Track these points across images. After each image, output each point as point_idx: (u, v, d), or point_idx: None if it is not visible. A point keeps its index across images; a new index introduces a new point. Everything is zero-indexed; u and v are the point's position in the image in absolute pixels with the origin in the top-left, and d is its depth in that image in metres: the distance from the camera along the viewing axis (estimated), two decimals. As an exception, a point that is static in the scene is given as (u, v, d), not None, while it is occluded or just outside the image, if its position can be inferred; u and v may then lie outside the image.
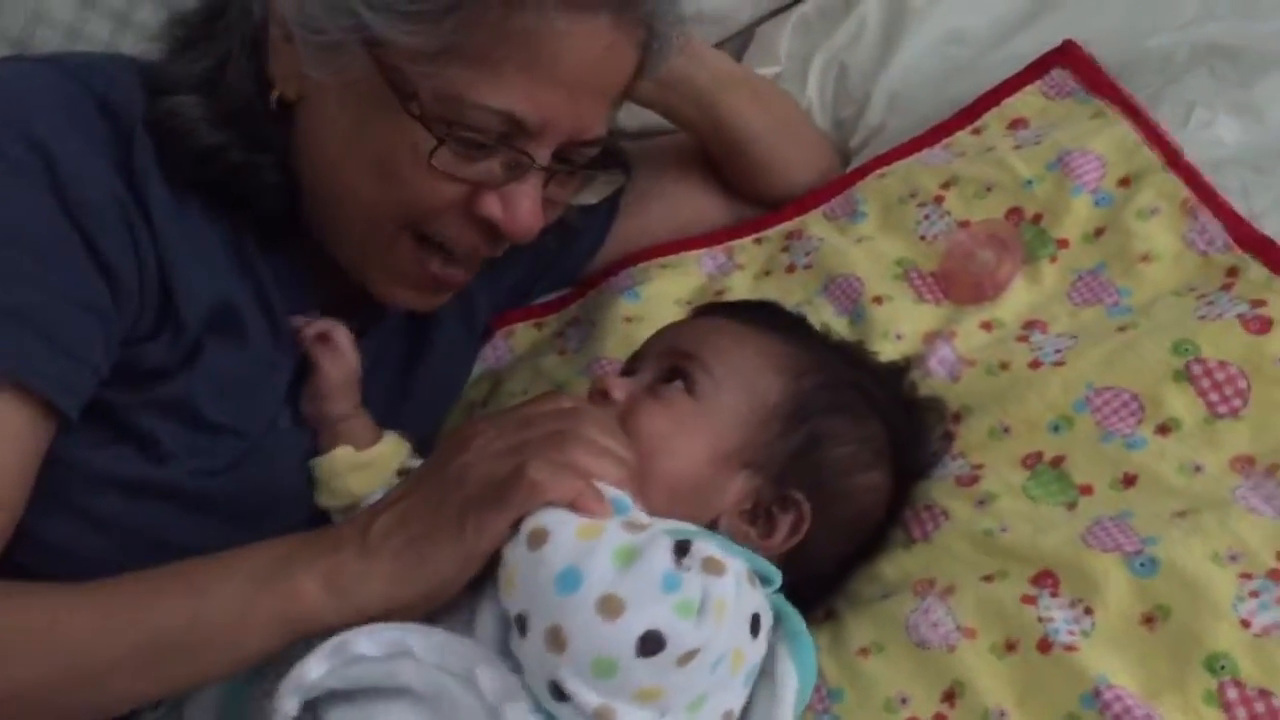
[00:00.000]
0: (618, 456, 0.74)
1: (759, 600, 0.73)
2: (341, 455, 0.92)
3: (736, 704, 0.73)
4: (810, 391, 0.85)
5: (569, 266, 1.18)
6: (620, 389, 0.84)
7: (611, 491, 0.71)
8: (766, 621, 0.73)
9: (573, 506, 0.69)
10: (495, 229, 0.85)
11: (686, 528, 0.76)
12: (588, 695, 0.66)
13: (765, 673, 0.75)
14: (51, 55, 0.94)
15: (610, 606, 0.65)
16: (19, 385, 0.74)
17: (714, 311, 0.95)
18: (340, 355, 0.93)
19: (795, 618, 0.76)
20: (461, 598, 0.73)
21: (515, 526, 0.69)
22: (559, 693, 0.66)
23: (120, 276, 0.79)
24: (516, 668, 0.70)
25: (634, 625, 0.65)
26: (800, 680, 0.75)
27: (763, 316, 0.92)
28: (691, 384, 0.83)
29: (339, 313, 0.96)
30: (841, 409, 0.85)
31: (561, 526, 0.68)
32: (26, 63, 0.89)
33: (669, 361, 0.85)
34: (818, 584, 0.86)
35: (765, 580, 0.76)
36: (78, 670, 0.71)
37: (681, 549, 0.69)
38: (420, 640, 0.70)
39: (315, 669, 0.70)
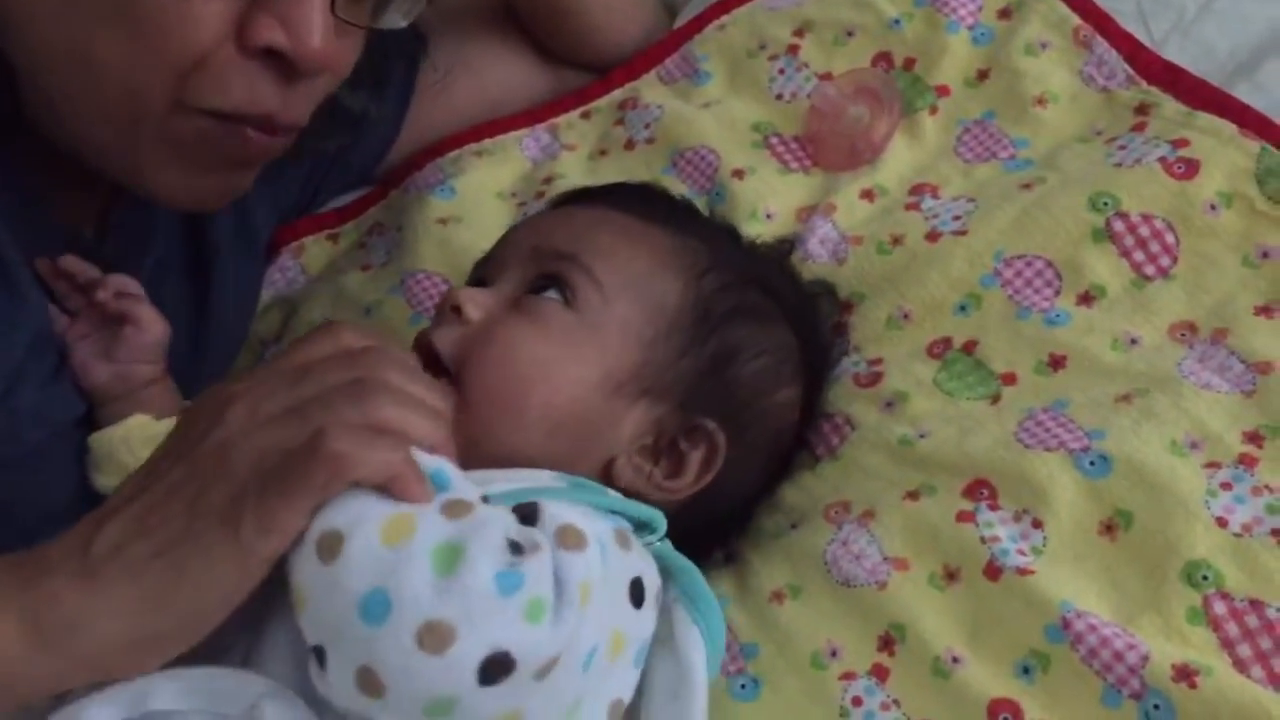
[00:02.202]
0: (431, 408, 0.55)
1: (637, 562, 0.58)
2: (137, 425, 0.72)
3: (626, 691, 0.58)
4: (713, 294, 0.69)
5: (360, 161, 0.98)
6: (476, 304, 0.66)
7: (428, 461, 0.52)
8: (652, 584, 0.58)
9: (387, 488, 0.50)
10: (289, 65, 0.65)
11: (531, 482, 0.60)
12: None
13: (662, 641, 0.60)
14: None
15: (435, 637, 0.47)
16: None
17: (583, 200, 0.77)
18: (151, 310, 0.75)
19: (690, 572, 0.61)
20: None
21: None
22: None
23: None
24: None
25: (470, 653, 0.48)
26: (709, 645, 0.61)
27: (641, 202, 0.75)
28: (571, 292, 0.66)
29: (87, 237, 0.76)
30: (749, 313, 0.71)
31: (361, 528, 0.49)
32: None
33: (539, 265, 0.68)
34: (725, 524, 0.72)
35: (645, 527, 0.61)
36: None
37: (526, 516, 0.53)
38: (170, 687, 0.52)
39: None
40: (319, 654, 0.49)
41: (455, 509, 0.51)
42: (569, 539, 0.52)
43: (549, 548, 0.51)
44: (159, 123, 0.66)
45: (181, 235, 0.84)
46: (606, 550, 0.55)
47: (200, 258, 0.85)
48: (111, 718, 0.50)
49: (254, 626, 0.55)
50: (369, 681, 0.48)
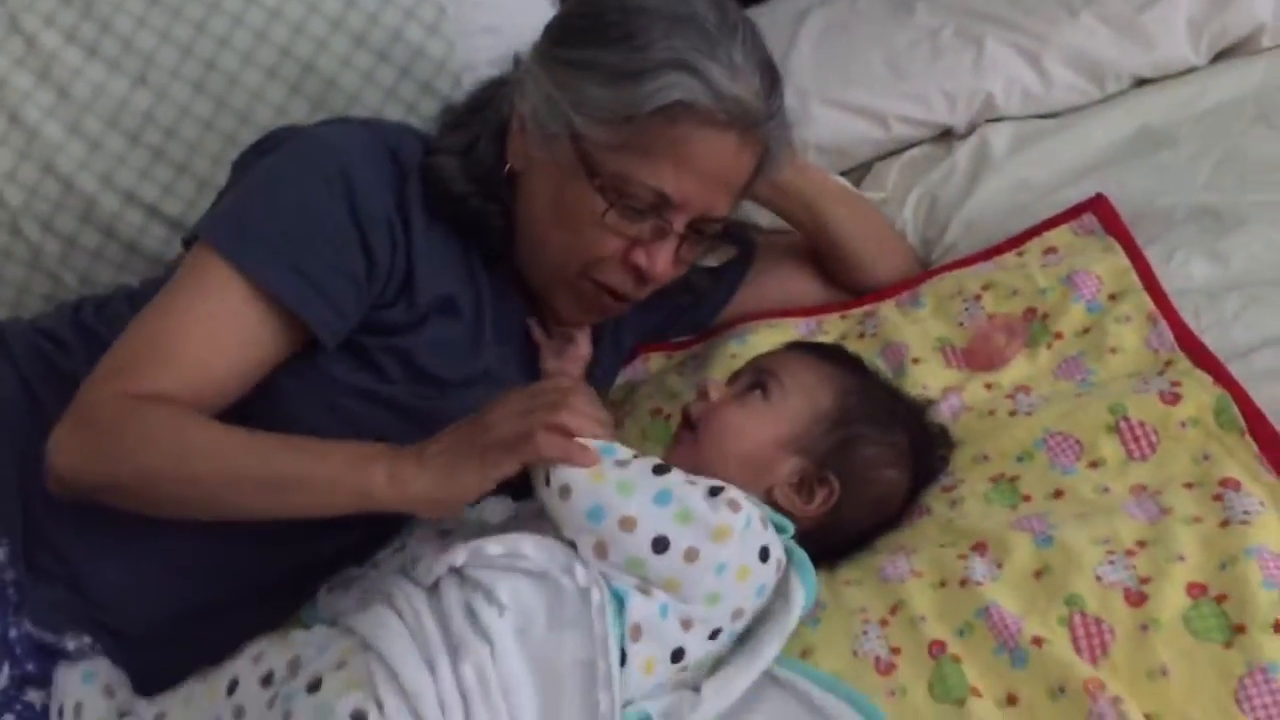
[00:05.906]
0: (599, 419, 1.03)
1: (770, 538, 1.06)
2: None
3: (747, 606, 1.06)
4: (854, 405, 1.18)
5: (700, 318, 1.57)
6: (715, 390, 1.21)
7: (597, 443, 1.01)
8: (776, 554, 1.06)
9: (568, 460, 0.99)
10: (641, 275, 1.23)
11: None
12: (628, 581, 1.00)
13: (779, 592, 1.09)
14: (366, 119, 1.41)
15: (628, 524, 0.99)
16: (290, 312, 1.13)
17: (796, 346, 1.33)
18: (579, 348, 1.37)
19: (802, 553, 1.10)
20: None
21: (530, 471, 1.02)
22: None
23: (378, 263, 1.18)
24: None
25: (645, 533, 0.99)
26: (805, 596, 1.09)
27: (831, 353, 1.28)
28: (766, 390, 1.19)
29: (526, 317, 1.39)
30: (875, 420, 1.19)
31: (577, 478, 1.00)
32: (350, 123, 1.34)
33: (754, 377, 1.22)
34: (842, 547, 1.20)
35: (780, 528, 1.10)
36: (226, 474, 1.06)
37: (714, 490, 1.04)
38: (531, 544, 1.04)
39: (459, 557, 1.05)
40: (572, 544, 1.02)
41: (622, 463, 1.01)
42: (733, 506, 1.04)
43: (702, 494, 1.04)
44: (570, 279, 1.25)
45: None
46: (751, 522, 1.06)
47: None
48: (498, 549, 1.02)
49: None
50: (601, 550, 1.01)
